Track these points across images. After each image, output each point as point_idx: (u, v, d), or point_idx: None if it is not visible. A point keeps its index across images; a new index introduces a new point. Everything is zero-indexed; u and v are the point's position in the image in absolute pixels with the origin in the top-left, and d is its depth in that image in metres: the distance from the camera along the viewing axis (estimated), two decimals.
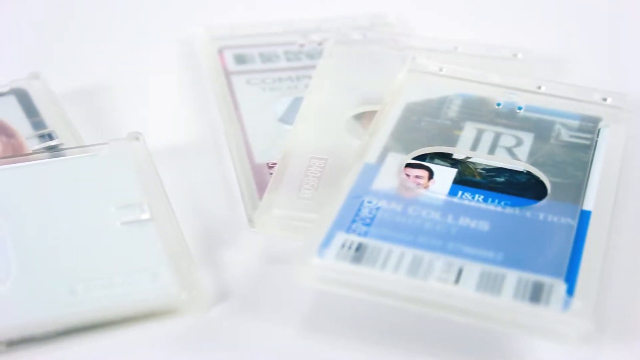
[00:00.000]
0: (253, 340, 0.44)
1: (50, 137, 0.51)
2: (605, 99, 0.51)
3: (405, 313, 0.43)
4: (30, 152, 0.50)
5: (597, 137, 0.49)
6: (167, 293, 0.44)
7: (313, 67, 0.56)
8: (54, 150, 0.49)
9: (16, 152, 0.50)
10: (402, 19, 0.60)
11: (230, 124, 0.53)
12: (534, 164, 0.48)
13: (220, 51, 0.57)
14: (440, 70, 0.53)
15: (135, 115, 0.54)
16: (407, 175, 0.47)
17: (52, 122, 0.51)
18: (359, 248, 0.43)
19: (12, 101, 0.52)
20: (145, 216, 0.46)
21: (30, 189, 0.47)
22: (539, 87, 0.52)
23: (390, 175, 0.47)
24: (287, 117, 0.53)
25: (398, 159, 0.47)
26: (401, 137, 0.49)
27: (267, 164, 0.50)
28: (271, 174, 0.49)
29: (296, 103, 0.54)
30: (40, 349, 0.43)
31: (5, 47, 0.58)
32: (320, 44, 0.58)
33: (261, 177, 0.50)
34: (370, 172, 0.47)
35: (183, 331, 0.44)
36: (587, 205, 0.46)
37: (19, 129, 0.51)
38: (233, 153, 0.51)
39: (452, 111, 0.50)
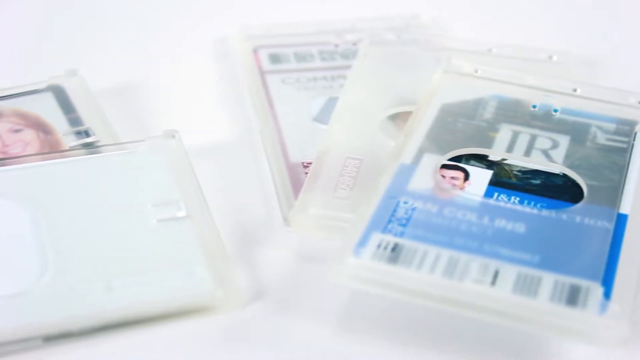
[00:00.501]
0: (288, 339, 0.44)
1: (86, 134, 0.51)
2: None
3: (440, 314, 0.43)
4: (67, 148, 0.50)
5: (634, 140, 0.49)
6: (202, 291, 0.44)
7: (347, 67, 0.56)
8: (90, 147, 0.50)
9: (53, 149, 0.50)
10: (436, 20, 0.60)
11: (266, 123, 0.53)
12: (570, 167, 0.48)
13: (255, 50, 0.57)
14: (476, 71, 0.53)
15: (171, 113, 0.54)
16: (443, 176, 0.47)
17: (88, 119, 0.52)
18: (395, 248, 0.43)
19: (49, 98, 0.53)
20: (182, 214, 0.46)
21: (67, 186, 0.47)
22: (575, 90, 0.52)
23: (426, 176, 0.47)
24: (322, 117, 0.53)
25: (434, 160, 0.47)
26: (436, 138, 0.49)
27: (302, 163, 0.50)
28: (306, 173, 0.50)
29: (331, 103, 0.54)
30: (76, 345, 0.43)
31: (43, 45, 0.58)
32: (354, 44, 0.58)
33: (296, 176, 0.50)
34: (406, 172, 0.47)
35: (218, 329, 0.44)
36: (624, 208, 0.45)
37: (56, 126, 0.51)
38: (268, 152, 0.52)
39: (488, 113, 0.50)
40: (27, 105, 0.52)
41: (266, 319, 0.44)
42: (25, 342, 0.42)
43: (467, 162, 0.48)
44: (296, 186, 0.49)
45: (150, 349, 0.43)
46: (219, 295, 0.44)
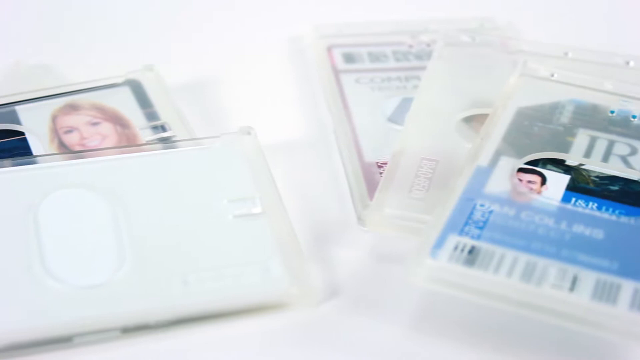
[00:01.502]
0: (361, 337, 0.44)
1: (163, 128, 0.52)
2: None
3: (515, 317, 0.43)
4: (144, 142, 0.51)
5: None
6: (277, 287, 0.44)
7: (421, 68, 0.56)
8: (166, 142, 0.50)
9: (130, 143, 0.51)
10: (511, 22, 0.60)
11: (340, 122, 0.53)
12: None
13: (330, 49, 0.58)
14: (552, 75, 0.52)
15: (246, 110, 0.55)
16: (520, 180, 0.47)
17: (165, 114, 0.52)
18: (472, 251, 0.43)
19: (127, 92, 0.53)
20: (257, 210, 0.47)
21: (144, 179, 0.48)
22: None
23: (503, 179, 0.46)
24: (396, 117, 0.53)
25: (510, 163, 0.47)
26: (513, 141, 0.49)
27: (377, 163, 0.51)
28: (381, 173, 0.50)
29: (405, 103, 0.54)
30: (152, 337, 0.43)
31: (121, 40, 0.59)
32: (428, 45, 0.58)
33: (370, 175, 0.50)
34: (483, 175, 0.47)
35: (291, 326, 0.44)
36: None
37: (133, 120, 0.52)
38: (342, 151, 0.52)
39: (565, 117, 0.50)
40: (104, 98, 0.53)
41: (339, 318, 0.45)
42: (104, 333, 0.43)
43: (544, 167, 0.48)
44: (370, 186, 0.49)
45: (224, 343, 0.44)
46: (293, 292, 0.44)
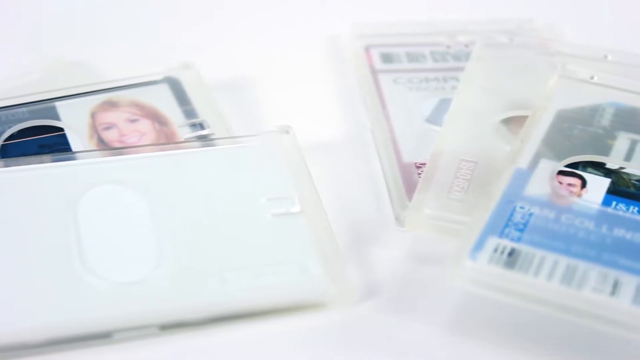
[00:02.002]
0: (398, 338, 0.44)
1: (201, 126, 0.52)
2: None
3: (554, 320, 0.43)
4: (183, 140, 0.51)
5: None
6: (315, 286, 0.44)
7: (459, 68, 0.56)
8: (205, 140, 0.50)
9: (168, 140, 0.51)
10: (549, 24, 0.60)
11: (378, 122, 0.53)
12: None
13: (367, 49, 0.58)
14: (592, 78, 0.52)
15: (283, 108, 0.55)
16: (560, 182, 0.47)
17: (203, 112, 0.52)
18: (512, 253, 0.43)
19: (165, 89, 0.53)
20: (296, 209, 0.47)
21: (182, 177, 0.48)
22: None
23: (543, 181, 0.46)
24: (434, 118, 0.53)
25: (550, 166, 0.47)
26: (553, 143, 0.48)
27: (415, 163, 0.50)
28: (419, 173, 0.50)
29: (443, 104, 0.54)
30: (190, 334, 0.43)
31: (160, 37, 0.59)
32: (466, 45, 0.58)
33: (409, 176, 0.50)
34: (522, 177, 0.46)
35: (329, 325, 0.44)
36: None
37: (171, 117, 0.52)
38: (380, 151, 0.52)
39: (605, 120, 0.50)
40: (143, 95, 0.53)
41: (377, 318, 0.45)
42: (142, 329, 0.43)
43: (584, 169, 0.48)
44: (409, 186, 0.49)
45: (261, 341, 0.44)
46: (331, 292, 0.44)
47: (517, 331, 0.44)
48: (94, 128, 0.51)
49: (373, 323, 0.44)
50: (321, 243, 0.46)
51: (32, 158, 0.48)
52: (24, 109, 0.52)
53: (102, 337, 0.43)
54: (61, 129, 0.51)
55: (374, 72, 0.56)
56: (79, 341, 0.42)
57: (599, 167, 0.48)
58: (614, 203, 0.46)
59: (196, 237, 0.46)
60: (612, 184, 0.47)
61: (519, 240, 0.43)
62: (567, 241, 0.43)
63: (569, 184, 0.47)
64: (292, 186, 0.48)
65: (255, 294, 0.44)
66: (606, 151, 0.48)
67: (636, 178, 0.47)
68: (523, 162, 0.47)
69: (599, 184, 0.47)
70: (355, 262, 0.47)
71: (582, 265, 0.42)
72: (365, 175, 0.51)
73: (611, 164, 0.48)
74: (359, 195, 0.50)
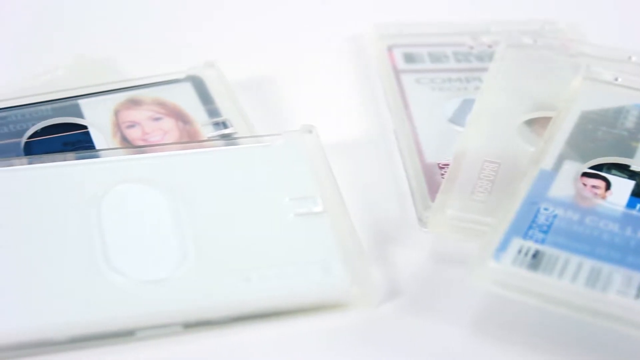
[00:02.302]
0: (421, 339, 0.44)
1: (224, 125, 0.52)
2: None
3: (578, 323, 0.42)
4: (206, 139, 0.51)
5: None
6: (338, 286, 0.44)
7: (482, 69, 0.56)
8: (228, 139, 0.50)
9: (192, 138, 0.51)
10: (572, 25, 0.60)
11: (401, 122, 0.53)
12: None
13: (390, 49, 0.57)
14: (616, 79, 0.52)
15: (305, 108, 0.55)
16: (584, 184, 0.46)
17: (226, 111, 0.52)
18: (536, 255, 0.43)
19: (188, 88, 0.53)
20: (319, 209, 0.47)
21: (205, 175, 0.48)
22: None
23: (567, 183, 0.46)
24: (457, 118, 0.53)
25: (574, 167, 0.47)
26: (577, 145, 0.48)
27: (438, 164, 0.50)
28: (442, 174, 0.50)
29: (466, 104, 0.54)
30: (213, 333, 0.43)
31: (183, 36, 0.59)
32: (489, 46, 0.58)
33: (432, 177, 0.50)
34: (546, 178, 0.46)
35: (351, 326, 0.44)
36: None
37: (194, 116, 0.52)
38: (403, 151, 0.52)
39: (630, 122, 0.50)
40: (166, 94, 0.53)
41: (399, 318, 0.45)
42: (166, 328, 0.43)
43: (608, 171, 0.47)
44: (432, 187, 0.49)
45: (282, 341, 0.44)
46: (354, 292, 0.44)
47: (540, 333, 0.44)
48: (118, 126, 0.51)
49: (395, 324, 0.44)
50: (344, 243, 0.46)
51: (56, 155, 0.48)
52: (47, 107, 0.52)
53: (125, 335, 0.43)
54: (85, 127, 0.51)
55: (397, 72, 0.56)
56: (102, 339, 0.42)
57: (623, 169, 0.48)
58: (638, 205, 0.46)
59: (219, 235, 0.46)
60: (637, 186, 0.47)
61: (543, 241, 0.43)
62: (591, 243, 0.43)
63: (593, 186, 0.47)
64: (314, 186, 0.48)
65: (277, 294, 0.44)
66: (630, 153, 0.48)
67: None
68: (547, 164, 0.47)
69: (623, 186, 0.47)
70: (378, 263, 0.47)
71: (606, 267, 0.42)
72: (387, 176, 0.51)
73: (636, 166, 0.47)
74: (381, 196, 0.50)
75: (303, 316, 0.44)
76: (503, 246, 0.43)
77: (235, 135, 0.51)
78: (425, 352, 0.43)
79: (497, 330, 0.44)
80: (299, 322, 0.44)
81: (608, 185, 0.47)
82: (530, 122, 0.52)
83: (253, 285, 0.44)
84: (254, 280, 0.44)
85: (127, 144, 0.50)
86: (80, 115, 0.52)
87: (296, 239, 0.46)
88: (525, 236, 0.44)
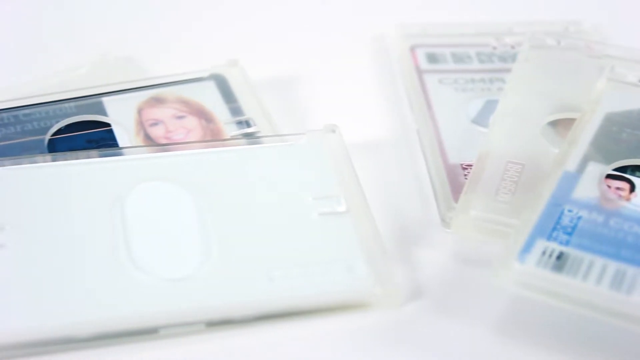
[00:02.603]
0: (443, 340, 0.44)
1: (247, 124, 0.52)
2: None
3: (602, 325, 0.42)
4: (229, 137, 0.51)
5: None
6: (361, 287, 0.44)
7: (505, 70, 0.55)
8: (251, 138, 0.50)
9: (215, 137, 0.51)
10: (596, 26, 0.59)
11: (423, 122, 0.53)
12: None
13: (413, 49, 0.57)
14: None
15: (329, 107, 0.55)
16: (608, 186, 0.46)
17: (249, 110, 0.52)
18: (560, 257, 0.43)
19: (212, 86, 0.53)
20: (342, 208, 0.47)
21: (229, 174, 0.48)
22: None
23: (591, 185, 0.46)
24: (480, 119, 0.53)
25: (598, 169, 0.47)
26: (601, 147, 0.48)
27: (461, 164, 0.50)
28: (465, 175, 0.49)
29: (489, 105, 0.54)
30: (236, 332, 0.44)
31: (207, 34, 0.59)
32: (513, 47, 0.58)
33: (455, 177, 0.50)
34: (570, 180, 0.46)
35: (374, 326, 0.44)
36: None
37: (217, 114, 0.52)
38: (426, 152, 0.51)
39: None
40: (189, 92, 0.53)
41: (422, 319, 0.44)
42: (188, 326, 0.43)
43: (632, 174, 0.47)
44: (455, 187, 0.49)
45: (304, 341, 0.44)
46: (377, 292, 0.44)
47: (564, 335, 0.43)
48: (141, 124, 0.51)
49: (418, 324, 0.44)
50: (367, 243, 0.46)
51: (80, 153, 0.48)
52: (71, 104, 0.52)
53: (148, 332, 0.43)
54: (108, 125, 0.51)
55: (420, 72, 0.56)
56: (125, 337, 0.43)
57: None
58: None
59: (242, 234, 0.46)
60: None
61: (567, 243, 0.43)
62: (616, 246, 0.43)
63: (618, 188, 0.46)
64: (338, 185, 0.48)
65: (300, 293, 0.44)
66: None
67: None
68: (571, 165, 0.47)
69: None
70: (401, 263, 0.46)
71: (631, 270, 0.42)
72: (410, 176, 0.51)
73: None
74: (404, 196, 0.50)
75: (325, 316, 0.44)
76: (527, 248, 0.43)
77: (259, 134, 0.51)
78: (448, 353, 0.43)
79: (520, 332, 0.44)
80: (322, 322, 0.44)
81: (632, 187, 0.47)
82: (554, 124, 0.52)
83: (276, 284, 0.44)
84: (277, 280, 0.44)
85: (151, 142, 0.51)
86: (104, 113, 0.52)
87: (319, 238, 0.46)
88: (550, 238, 0.43)
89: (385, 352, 0.43)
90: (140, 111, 0.52)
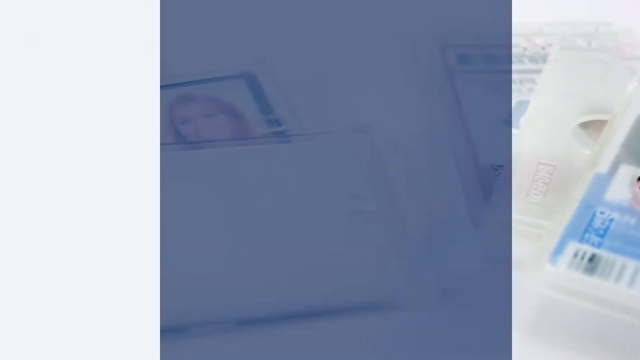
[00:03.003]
0: (474, 341, 0.44)
1: (277, 122, 0.52)
2: None
3: (635, 328, 0.42)
4: (258, 136, 0.51)
5: None
6: (391, 286, 0.44)
7: (536, 71, 0.55)
8: (281, 136, 0.50)
9: (244, 135, 0.51)
10: (627, 28, 0.59)
11: (454, 123, 0.53)
12: None
13: (443, 49, 0.57)
14: None
15: (358, 106, 0.55)
16: None
17: (279, 108, 0.52)
18: (592, 259, 0.42)
19: (241, 85, 0.53)
20: (372, 208, 0.47)
21: (258, 172, 0.48)
22: None
23: (623, 187, 0.46)
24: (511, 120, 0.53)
25: (630, 171, 0.46)
26: (633, 149, 0.48)
27: (492, 165, 0.50)
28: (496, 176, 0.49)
29: (519, 106, 0.53)
30: (265, 330, 0.44)
31: (236, 32, 0.59)
32: (543, 48, 0.57)
33: (485, 178, 0.50)
34: (602, 182, 0.46)
35: (404, 326, 0.44)
36: None
37: (247, 113, 0.52)
38: (457, 152, 0.51)
39: None
40: (219, 91, 0.53)
41: (452, 320, 0.44)
42: (217, 325, 0.43)
43: None
44: (485, 188, 0.49)
45: (332, 340, 0.44)
46: (407, 292, 0.44)
47: (595, 338, 0.43)
48: (171, 121, 0.51)
49: (448, 325, 0.44)
50: (397, 243, 0.45)
51: None
52: None
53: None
54: None
55: (450, 72, 0.56)
56: None
57: None
58: None
59: (272, 233, 0.46)
60: None
61: (599, 245, 0.43)
62: None
63: None
64: (368, 185, 0.48)
65: (330, 292, 0.44)
66: None
67: None
68: (603, 167, 0.47)
69: None
70: (431, 264, 0.46)
71: None
72: (441, 176, 0.51)
73: None
74: (434, 196, 0.50)
75: (356, 315, 0.44)
76: (559, 249, 0.43)
77: (289, 133, 0.51)
78: (478, 354, 0.43)
79: (551, 334, 0.44)
80: (352, 321, 0.44)
81: None
82: (585, 125, 0.51)
83: (306, 283, 0.44)
84: (307, 278, 0.44)
85: (181, 139, 0.51)
86: None
87: (349, 238, 0.46)
88: (582, 240, 0.43)
89: (414, 353, 0.43)
90: (170, 109, 0.52)
